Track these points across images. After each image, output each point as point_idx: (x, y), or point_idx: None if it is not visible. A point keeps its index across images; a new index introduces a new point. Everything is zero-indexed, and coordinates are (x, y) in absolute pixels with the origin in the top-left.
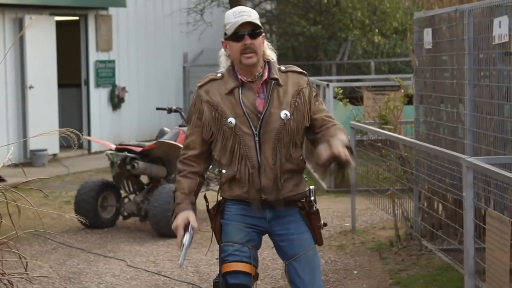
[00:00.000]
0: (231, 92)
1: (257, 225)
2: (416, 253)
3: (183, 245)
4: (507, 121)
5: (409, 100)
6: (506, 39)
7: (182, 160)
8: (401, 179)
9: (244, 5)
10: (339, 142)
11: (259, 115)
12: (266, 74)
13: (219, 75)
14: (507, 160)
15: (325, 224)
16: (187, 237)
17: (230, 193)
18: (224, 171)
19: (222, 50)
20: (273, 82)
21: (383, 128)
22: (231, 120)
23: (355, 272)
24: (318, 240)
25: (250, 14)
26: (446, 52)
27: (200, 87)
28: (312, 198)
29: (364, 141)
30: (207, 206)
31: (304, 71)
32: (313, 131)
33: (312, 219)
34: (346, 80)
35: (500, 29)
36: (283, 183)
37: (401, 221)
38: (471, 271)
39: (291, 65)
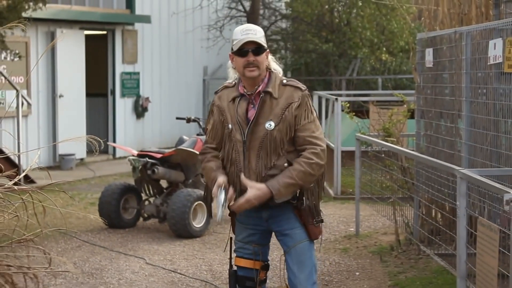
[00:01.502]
0: (233, 100)
1: (257, 224)
2: (414, 257)
3: (219, 204)
4: (502, 136)
5: (411, 114)
6: (500, 59)
7: (202, 151)
8: (402, 188)
9: (261, 24)
10: (251, 194)
11: (248, 124)
12: (262, 87)
13: (233, 83)
14: (499, 173)
15: (321, 221)
16: (222, 196)
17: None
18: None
19: (229, 62)
20: (264, 94)
21: (386, 141)
22: (230, 125)
23: (357, 273)
24: (310, 235)
25: (255, 33)
26: (446, 71)
27: (216, 92)
28: (300, 199)
29: (368, 152)
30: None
31: (302, 86)
32: (296, 145)
33: (302, 215)
34: (355, 95)
35: (494, 50)
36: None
37: (401, 227)
38: (463, 275)
39: (292, 80)
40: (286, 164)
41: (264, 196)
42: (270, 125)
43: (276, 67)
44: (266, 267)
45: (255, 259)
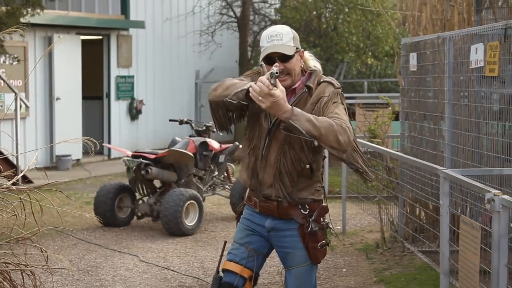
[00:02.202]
0: None
1: (258, 231)
2: (399, 254)
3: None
4: (483, 137)
5: (396, 116)
6: (482, 64)
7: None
8: (387, 187)
9: (250, 29)
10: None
11: None
12: (300, 83)
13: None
14: (481, 172)
15: (326, 244)
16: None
17: (240, 175)
18: (242, 146)
19: (264, 66)
20: (303, 89)
21: (372, 141)
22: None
23: (344, 270)
24: (312, 259)
25: (281, 38)
26: (429, 74)
27: (262, 65)
28: (310, 216)
29: None
30: (238, 207)
31: (336, 83)
32: None
33: (307, 239)
34: None
35: (476, 55)
36: (283, 183)
37: (386, 225)
38: (446, 271)
39: (330, 77)
40: (308, 166)
41: (283, 103)
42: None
43: (316, 64)
44: (254, 280)
45: (245, 266)
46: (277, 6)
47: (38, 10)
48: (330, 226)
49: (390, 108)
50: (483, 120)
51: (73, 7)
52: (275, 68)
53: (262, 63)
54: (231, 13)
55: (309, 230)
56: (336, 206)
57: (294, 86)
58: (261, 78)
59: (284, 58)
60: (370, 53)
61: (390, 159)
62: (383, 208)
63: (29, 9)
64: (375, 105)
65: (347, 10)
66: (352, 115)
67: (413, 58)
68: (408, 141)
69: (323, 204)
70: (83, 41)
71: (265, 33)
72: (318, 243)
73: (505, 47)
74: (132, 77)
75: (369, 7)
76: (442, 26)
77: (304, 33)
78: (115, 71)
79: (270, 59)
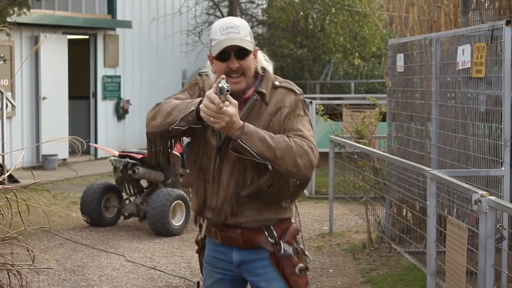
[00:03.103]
0: None
1: (227, 269)
2: (386, 255)
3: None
4: (470, 138)
5: (383, 117)
6: (468, 65)
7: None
8: (374, 188)
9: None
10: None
11: None
12: (251, 90)
13: (212, 72)
14: (467, 173)
15: (306, 268)
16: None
17: (192, 204)
18: (187, 171)
19: (208, 63)
20: (256, 95)
21: (359, 142)
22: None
23: (331, 270)
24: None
25: (239, 30)
26: (416, 75)
27: (200, 74)
28: (276, 238)
29: (342, 153)
30: (198, 236)
31: (297, 89)
32: None
33: (282, 264)
34: (328, 98)
35: (463, 56)
36: (238, 209)
37: (373, 226)
38: (433, 272)
39: (287, 81)
40: (267, 187)
41: (235, 119)
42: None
43: (267, 64)
44: None
45: None
46: (264, 6)
47: (25, 10)
48: (306, 253)
49: (377, 109)
50: (470, 121)
51: (59, 6)
52: (223, 82)
53: (202, 71)
54: (218, 13)
55: (281, 253)
56: (323, 207)
57: (248, 94)
58: (209, 93)
59: (242, 54)
60: (357, 54)
61: (377, 160)
62: (370, 209)
63: (16, 9)
64: (362, 106)
65: (334, 11)
66: (339, 116)
67: (400, 59)
68: (395, 142)
69: (293, 223)
70: (70, 40)
71: (217, 24)
72: (295, 267)
73: (492, 48)
74: (119, 77)
75: (356, 8)
76: (429, 27)
77: (291, 34)
78: (102, 71)
79: (225, 54)
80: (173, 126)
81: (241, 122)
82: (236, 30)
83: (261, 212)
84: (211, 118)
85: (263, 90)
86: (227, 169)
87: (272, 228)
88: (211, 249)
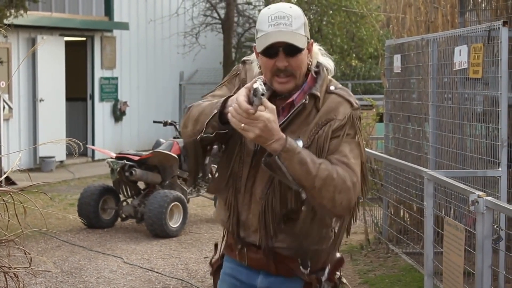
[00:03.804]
0: None
1: None
2: (383, 256)
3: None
4: (467, 139)
5: (380, 118)
6: (465, 66)
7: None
8: (371, 189)
9: (235, 31)
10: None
11: None
12: (297, 93)
13: (257, 66)
14: (465, 174)
15: None
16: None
17: (217, 215)
18: (216, 174)
19: (254, 55)
20: (307, 99)
21: None
22: None
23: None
24: None
25: (291, 21)
26: (413, 76)
27: (244, 62)
28: (326, 275)
29: None
30: (212, 257)
31: (354, 101)
32: None
33: None
34: None
35: (460, 56)
36: (275, 229)
37: (371, 227)
38: (430, 272)
39: (345, 89)
40: (305, 208)
41: (274, 126)
42: (296, 143)
43: (326, 62)
44: None
45: None
46: (261, 7)
47: (22, 12)
48: (344, 281)
49: (374, 109)
50: (467, 122)
51: (56, 8)
52: (259, 82)
53: (246, 58)
54: (215, 15)
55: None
56: None
57: (293, 97)
58: (238, 96)
59: (292, 51)
60: (354, 55)
61: (374, 161)
62: (368, 210)
63: (13, 11)
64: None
65: (331, 12)
66: None
67: (397, 60)
68: (392, 142)
69: (337, 254)
70: (67, 42)
71: (266, 12)
72: None
73: (489, 49)
74: (116, 78)
75: (353, 9)
76: (426, 28)
77: None
78: (99, 73)
79: (272, 50)
80: (202, 135)
81: (282, 134)
82: (287, 21)
83: (299, 238)
84: (242, 125)
85: (318, 93)
86: (262, 179)
87: (311, 258)
88: (231, 267)
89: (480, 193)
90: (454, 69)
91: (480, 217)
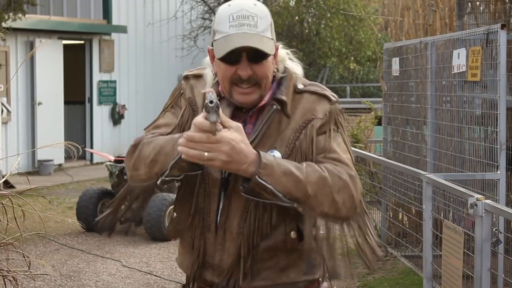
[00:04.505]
0: None
1: None
2: (382, 259)
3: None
4: (465, 142)
5: (378, 121)
6: (464, 68)
7: (147, 134)
8: (370, 192)
9: None
10: (227, 133)
11: None
12: (268, 96)
13: (211, 72)
14: (463, 177)
15: None
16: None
17: (181, 260)
18: (175, 214)
19: (207, 59)
20: (273, 107)
21: (354, 146)
22: None
23: (327, 275)
24: None
25: (256, 22)
26: (411, 79)
27: (187, 77)
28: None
29: None
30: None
31: (331, 95)
32: None
33: None
34: None
35: (458, 59)
36: (254, 266)
37: None
38: (429, 275)
39: (315, 83)
40: (293, 233)
41: (243, 147)
42: (273, 157)
43: (295, 66)
44: None
45: None
46: None
47: (20, 15)
48: None
49: (372, 113)
50: (466, 124)
51: (55, 11)
52: (210, 95)
53: (188, 73)
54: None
55: None
56: None
57: (263, 101)
58: (196, 120)
59: (258, 57)
60: (352, 58)
61: (373, 164)
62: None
63: (11, 14)
64: (358, 110)
65: (329, 15)
66: None
67: (395, 63)
68: (391, 145)
69: (324, 284)
70: (65, 45)
71: (225, 10)
72: None
73: (487, 52)
74: (114, 81)
75: (352, 12)
76: (425, 31)
77: (287, 38)
78: (97, 76)
79: (233, 55)
80: (163, 178)
81: (254, 151)
82: (252, 21)
83: (286, 271)
84: (205, 155)
85: (283, 97)
86: (237, 210)
87: None
88: None
89: (479, 196)
90: (452, 72)
91: (479, 220)
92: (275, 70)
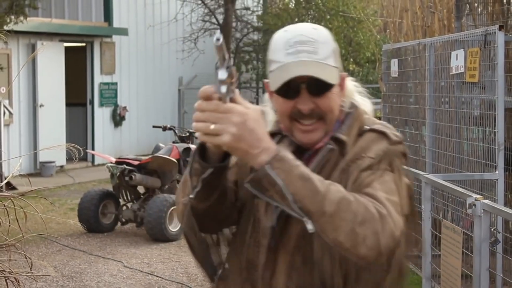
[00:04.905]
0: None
1: None
2: None
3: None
4: (464, 142)
5: None
6: (462, 70)
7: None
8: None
9: (233, 36)
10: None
11: None
12: (325, 138)
13: (271, 110)
14: (462, 177)
15: None
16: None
17: None
18: (226, 265)
19: (267, 95)
20: (329, 146)
21: None
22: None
23: None
24: None
25: (316, 48)
26: (410, 80)
27: None
28: None
29: None
30: None
31: (393, 135)
32: None
33: None
34: None
35: (457, 61)
36: None
37: None
38: (428, 275)
39: (383, 123)
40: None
41: (256, 127)
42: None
43: (364, 102)
44: None
45: None
46: (259, 13)
47: (22, 18)
48: None
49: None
50: (464, 125)
51: (56, 14)
52: (217, 37)
53: None
54: (214, 20)
55: None
56: None
57: (322, 142)
58: (203, 89)
59: (320, 88)
60: (351, 60)
61: None
62: None
63: (13, 17)
64: None
65: (328, 17)
66: None
67: (394, 64)
68: None
69: None
70: (67, 48)
71: (282, 36)
72: None
73: (485, 53)
74: (116, 83)
75: (351, 14)
76: (423, 33)
77: None
78: (99, 78)
79: (292, 87)
80: (191, 196)
81: (271, 142)
82: (311, 47)
83: None
84: (212, 126)
85: (342, 137)
86: (283, 265)
87: None
88: None
89: (477, 196)
90: (451, 73)
91: (477, 220)
92: (342, 104)
